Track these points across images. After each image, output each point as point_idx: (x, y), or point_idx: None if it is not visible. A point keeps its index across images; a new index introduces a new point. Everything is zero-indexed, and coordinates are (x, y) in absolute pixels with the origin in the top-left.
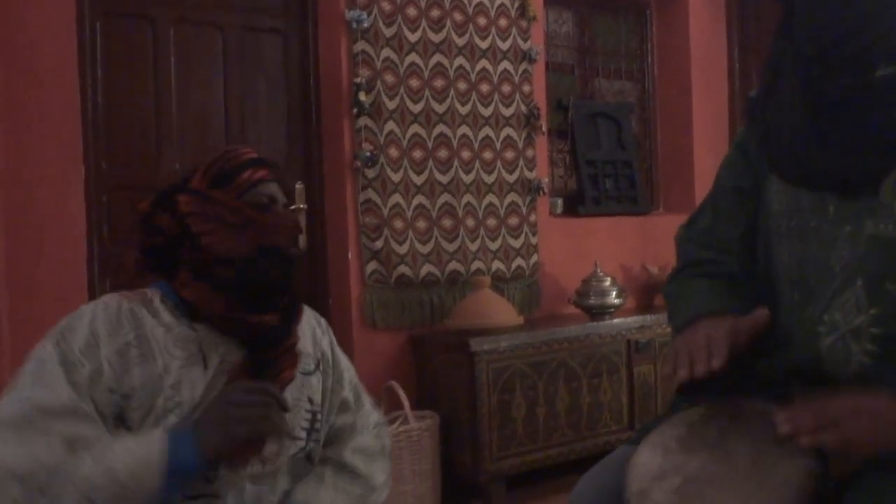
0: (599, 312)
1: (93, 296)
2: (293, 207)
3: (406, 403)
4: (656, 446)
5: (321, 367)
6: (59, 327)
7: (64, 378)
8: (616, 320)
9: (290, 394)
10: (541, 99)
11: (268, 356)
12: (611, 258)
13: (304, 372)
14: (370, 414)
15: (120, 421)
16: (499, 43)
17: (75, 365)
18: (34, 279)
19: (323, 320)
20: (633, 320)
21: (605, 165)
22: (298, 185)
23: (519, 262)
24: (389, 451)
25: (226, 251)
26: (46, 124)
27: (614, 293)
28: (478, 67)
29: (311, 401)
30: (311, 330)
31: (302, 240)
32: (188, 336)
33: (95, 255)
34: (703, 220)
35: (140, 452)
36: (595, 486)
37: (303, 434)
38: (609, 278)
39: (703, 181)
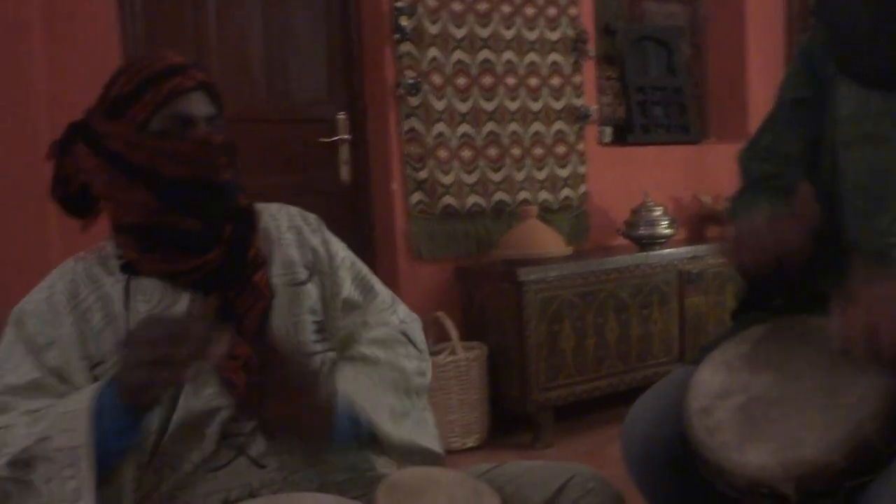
0: (650, 243)
1: None
2: (338, 137)
3: (453, 334)
4: (719, 364)
5: (316, 271)
6: (17, 309)
7: (29, 358)
8: (667, 250)
9: (287, 311)
10: (588, 22)
11: (229, 297)
12: (661, 188)
13: (296, 283)
14: (385, 308)
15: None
16: None
17: (40, 347)
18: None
19: (312, 216)
20: (684, 250)
21: (654, 92)
22: (341, 116)
23: (567, 192)
24: (419, 342)
25: (133, 214)
26: (88, 58)
27: (665, 223)
28: None
29: (313, 311)
30: (297, 233)
31: (345, 171)
32: (150, 286)
33: None
34: (764, 139)
35: (69, 404)
36: (653, 406)
37: (316, 347)
38: (660, 208)
39: (758, 109)
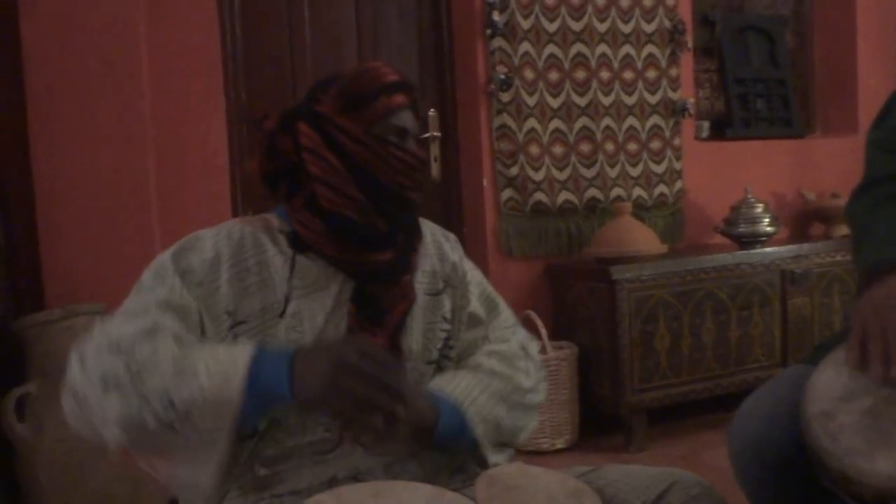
0: (750, 241)
1: None
2: (426, 135)
3: (543, 333)
4: (840, 365)
5: (451, 284)
6: (178, 245)
7: (180, 284)
8: (768, 249)
9: (423, 317)
10: (686, 13)
11: (374, 292)
12: (762, 184)
13: (433, 293)
14: (507, 326)
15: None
16: None
17: (191, 283)
18: (183, 209)
19: (452, 235)
20: (787, 249)
21: (755, 84)
22: (431, 112)
23: (662, 188)
24: (536, 360)
25: (335, 205)
26: (189, 57)
27: (767, 220)
28: None
29: (445, 320)
30: (438, 246)
31: (435, 168)
32: (308, 265)
33: (238, 185)
34: (891, 119)
35: (225, 357)
36: (764, 406)
37: (434, 356)
38: (761, 205)
39: (868, 100)
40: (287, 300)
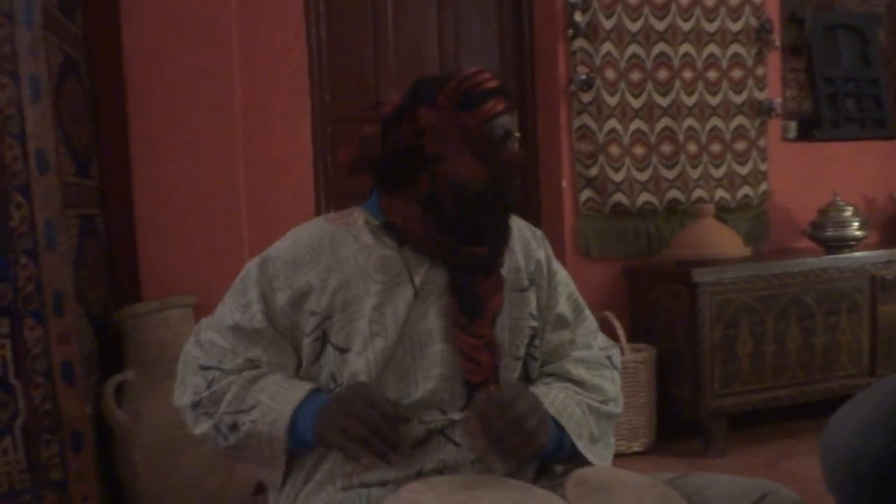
0: (838, 245)
1: None
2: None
3: (622, 335)
4: None
5: (536, 282)
6: (266, 252)
7: (259, 302)
8: (858, 254)
9: (509, 313)
10: (773, 11)
11: (471, 283)
12: (851, 187)
13: (520, 289)
14: (591, 332)
15: (327, 341)
16: None
17: (274, 290)
18: (269, 205)
19: (539, 232)
20: (878, 254)
21: (846, 84)
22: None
23: (746, 190)
24: (618, 366)
25: (458, 176)
26: (277, 60)
27: (856, 224)
28: None
29: (532, 317)
30: (525, 243)
31: None
32: (390, 257)
33: (321, 183)
34: None
35: (281, 398)
36: (860, 416)
37: (521, 352)
38: (850, 208)
39: None
40: (367, 294)
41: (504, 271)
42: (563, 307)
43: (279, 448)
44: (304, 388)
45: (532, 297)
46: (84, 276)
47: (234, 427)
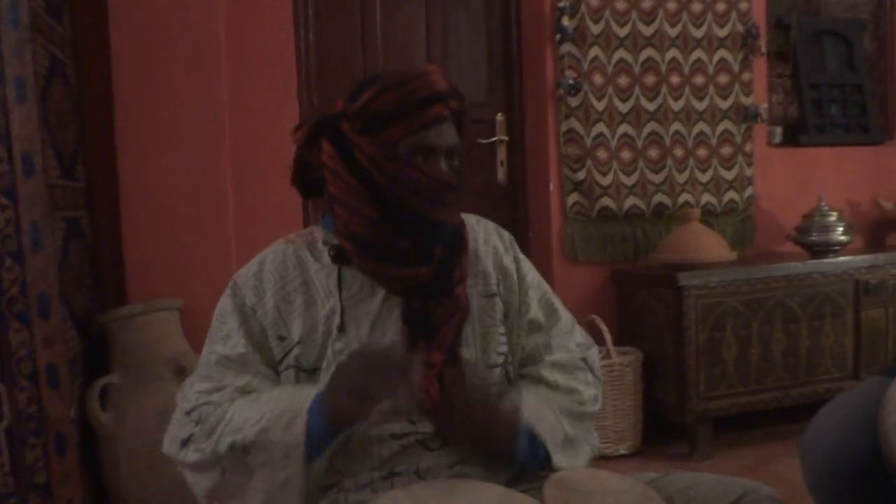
0: (822, 250)
1: (307, 225)
2: (493, 139)
3: (608, 338)
4: None
5: (505, 287)
6: (233, 280)
7: (239, 329)
8: (842, 258)
9: (479, 321)
10: (759, 17)
11: (429, 306)
12: (836, 192)
13: (488, 294)
14: (566, 331)
15: (298, 368)
16: None
17: (248, 315)
18: (257, 209)
19: (507, 234)
20: (862, 259)
21: (831, 90)
22: (499, 117)
23: (731, 195)
24: (596, 368)
25: (354, 219)
26: (265, 63)
27: (841, 229)
28: None
29: (502, 322)
30: (493, 248)
31: (501, 172)
32: (352, 275)
33: None
34: None
35: (288, 403)
36: (840, 417)
37: (500, 359)
38: (835, 213)
39: None
40: (332, 313)
41: (471, 279)
42: (536, 311)
43: (297, 456)
44: (312, 389)
45: (501, 301)
46: (69, 279)
47: (233, 447)
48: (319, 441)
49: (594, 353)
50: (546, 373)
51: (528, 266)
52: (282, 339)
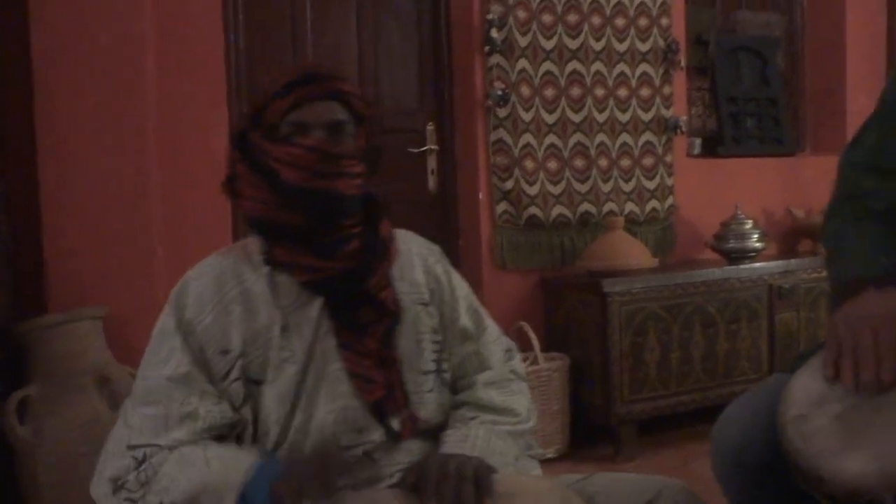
0: (739, 257)
1: (236, 234)
2: (423, 149)
3: (536, 344)
4: (816, 371)
5: (437, 297)
6: (174, 293)
7: (182, 346)
8: (757, 264)
9: (413, 329)
10: (679, 33)
11: (353, 307)
12: (752, 201)
13: (421, 303)
14: (494, 340)
15: (245, 380)
16: None
17: (188, 333)
18: (184, 215)
19: (435, 247)
20: (775, 265)
21: (747, 103)
22: (430, 126)
23: (654, 203)
24: (523, 374)
25: (256, 209)
26: (193, 69)
27: (755, 237)
28: (613, 0)
29: (434, 331)
30: (422, 259)
31: (432, 181)
32: (288, 282)
33: None
34: (867, 139)
35: (224, 469)
36: (746, 411)
37: (433, 366)
38: (750, 221)
39: (857, 120)
40: (272, 321)
41: (403, 286)
42: (465, 320)
43: None
44: (249, 457)
45: (434, 311)
46: None
47: None
48: None
49: (518, 359)
50: (482, 395)
51: (457, 277)
52: (225, 352)
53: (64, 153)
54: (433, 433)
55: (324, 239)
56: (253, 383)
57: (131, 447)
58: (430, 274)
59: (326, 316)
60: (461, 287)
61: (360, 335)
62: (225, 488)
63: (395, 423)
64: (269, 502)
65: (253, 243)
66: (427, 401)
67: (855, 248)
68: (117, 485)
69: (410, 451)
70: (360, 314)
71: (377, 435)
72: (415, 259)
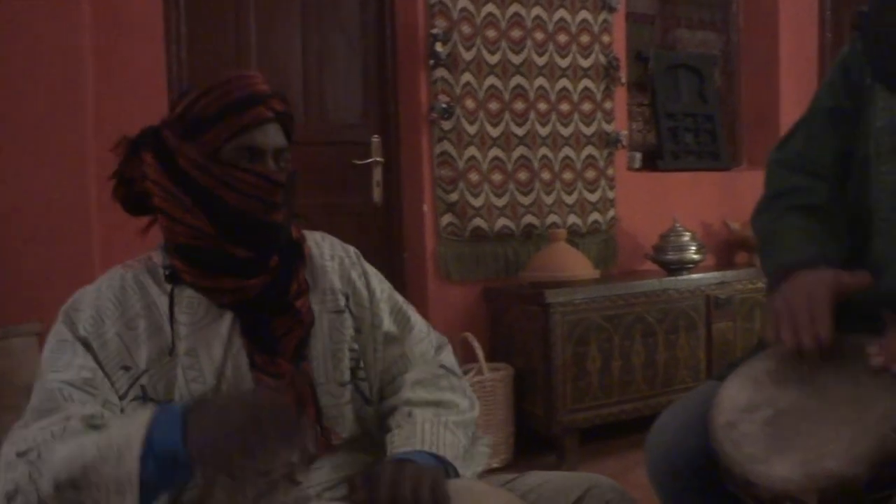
0: (677, 268)
1: None
2: (368, 160)
3: (480, 355)
4: (746, 379)
5: (354, 302)
6: (65, 307)
7: (84, 351)
8: (695, 276)
9: (328, 338)
10: (620, 50)
11: (265, 319)
12: (690, 214)
13: (336, 311)
14: (421, 338)
15: (145, 398)
16: None
17: (87, 346)
18: (123, 232)
19: (352, 249)
20: (712, 276)
21: (685, 119)
22: (375, 138)
23: (595, 216)
24: (454, 368)
25: (181, 231)
26: (134, 83)
27: (693, 248)
28: (556, 17)
29: (352, 339)
30: (339, 263)
31: (377, 193)
32: (195, 298)
33: None
34: (795, 143)
35: (121, 426)
36: (679, 418)
37: (347, 375)
38: (688, 233)
39: None
40: (175, 338)
41: (317, 295)
42: (389, 324)
43: (130, 492)
44: (147, 412)
45: (350, 318)
46: None
47: (69, 484)
48: (161, 472)
49: (449, 353)
50: (410, 394)
51: (377, 279)
52: (126, 368)
53: (0, 170)
54: (360, 444)
55: (246, 263)
56: (155, 402)
57: (20, 453)
58: (345, 278)
59: (238, 332)
60: (381, 289)
61: (272, 355)
62: (125, 443)
63: (309, 443)
64: (185, 452)
65: (157, 256)
66: (345, 413)
67: (785, 239)
68: (10, 494)
69: (338, 467)
70: (275, 326)
71: (293, 456)
72: (327, 264)
